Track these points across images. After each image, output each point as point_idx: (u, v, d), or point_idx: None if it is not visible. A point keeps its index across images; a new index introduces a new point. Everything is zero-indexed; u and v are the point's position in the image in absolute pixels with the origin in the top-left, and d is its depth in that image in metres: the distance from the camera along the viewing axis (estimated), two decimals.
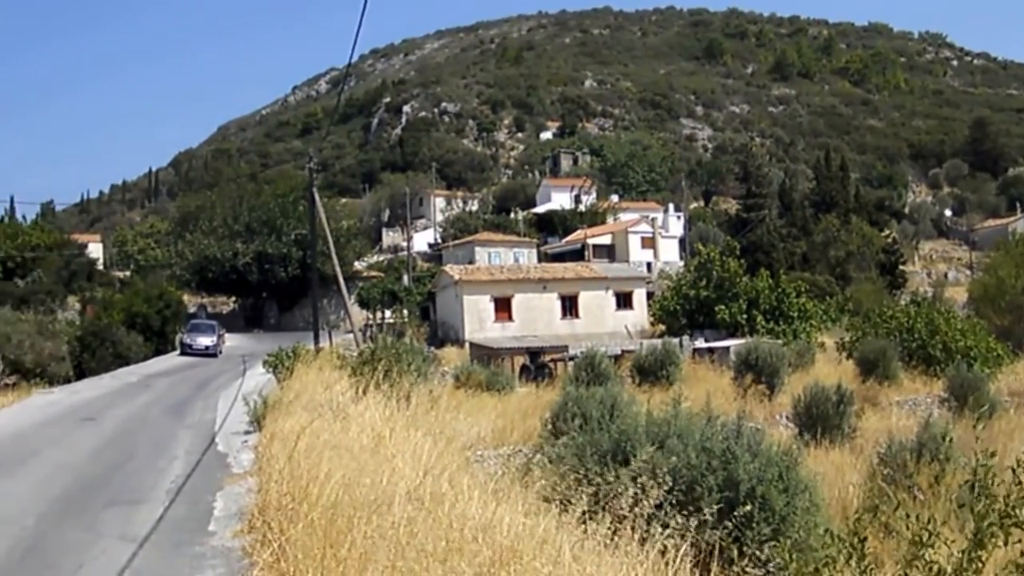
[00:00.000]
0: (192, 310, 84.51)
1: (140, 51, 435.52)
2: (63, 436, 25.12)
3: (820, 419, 30.16)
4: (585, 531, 9.03)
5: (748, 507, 11.73)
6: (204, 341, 61.88)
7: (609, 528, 9.15)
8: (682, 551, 8.65)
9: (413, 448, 13.07)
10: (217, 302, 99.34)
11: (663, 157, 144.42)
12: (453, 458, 13.31)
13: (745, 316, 62.00)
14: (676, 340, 53.80)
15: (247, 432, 22.62)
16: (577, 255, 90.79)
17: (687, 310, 65.65)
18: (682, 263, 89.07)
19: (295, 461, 11.80)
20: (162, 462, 19.71)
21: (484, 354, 54.03)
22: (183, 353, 61.05)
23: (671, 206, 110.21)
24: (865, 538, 6.66)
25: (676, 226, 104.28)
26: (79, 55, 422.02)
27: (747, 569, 9.99)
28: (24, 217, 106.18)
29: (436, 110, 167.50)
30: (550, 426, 21.01)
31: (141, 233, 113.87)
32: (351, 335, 55.91)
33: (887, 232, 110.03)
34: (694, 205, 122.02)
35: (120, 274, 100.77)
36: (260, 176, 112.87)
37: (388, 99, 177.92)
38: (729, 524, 11.26)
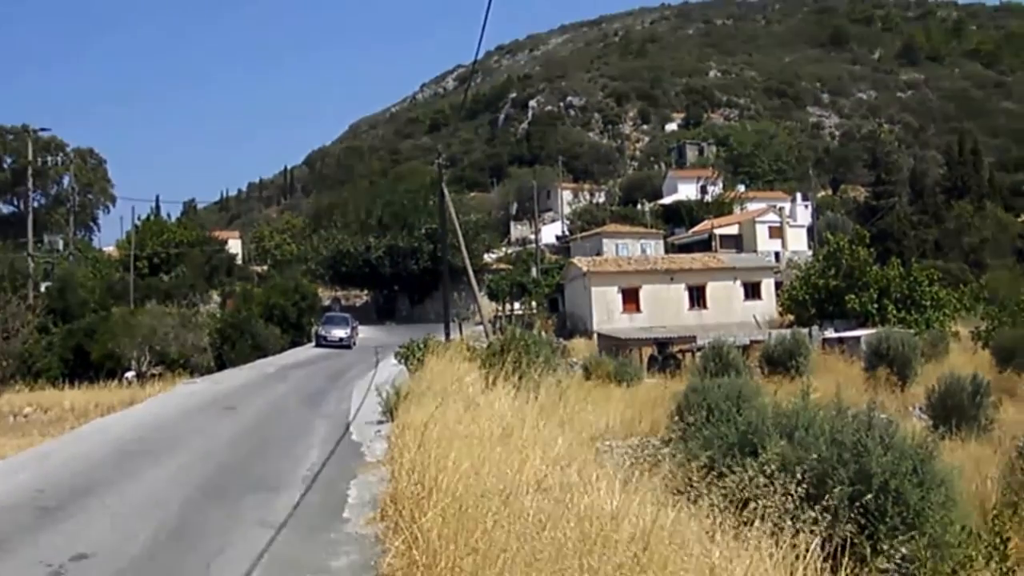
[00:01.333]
0: (326, 303, 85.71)
1: (275, 52, 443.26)
2: (205, 424, 25.86)
3: (955, 410, 29.27)
4: (714, 523, 9.04)
5: (880, 501, 11.55)
6: (338, 333, 62.85)
7: (738, 520, 9.14)
8: (813, 545, 8.57)
9: (542, 438, 13.16)
10: (350, 295, 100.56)
11: (790, 146, 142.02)
12: (582, 448, 13.37)
13: (876, 305, 60.86)
14: (805, 330, 53.03)
15: (380, 422, 22.94)
16: (704, 246, 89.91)
17: (816, 300, 64.64)
18: (810, 252, 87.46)
19: (426, 450, 11.95)
20: (298, 450, 20.19)
21: (612, 345, 53.96)
22: (318, 345, 62.11)
23: (798, 195, 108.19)
24: (1008, 537, 6.46)
25: (804, 215, 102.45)
26: (218, 58, 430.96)
27: (880, 566, 9.83)
28: (168, 215, 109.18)
29: (562, 104, 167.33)
30: (678, 417, 20.96)
31: (277, 229, 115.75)
32: (480, 327, 56.23)
33: None
34: (822, 194, 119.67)
35: (258, 269, 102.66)
36: (391, 172, 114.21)
37: (514, 94, 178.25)
38: (861, 519, 11.11)
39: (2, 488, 15.96)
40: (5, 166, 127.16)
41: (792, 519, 9.31)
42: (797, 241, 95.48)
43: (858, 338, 49.13)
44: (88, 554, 11.24)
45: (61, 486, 16.17)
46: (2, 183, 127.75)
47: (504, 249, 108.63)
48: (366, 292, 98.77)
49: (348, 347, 60.76)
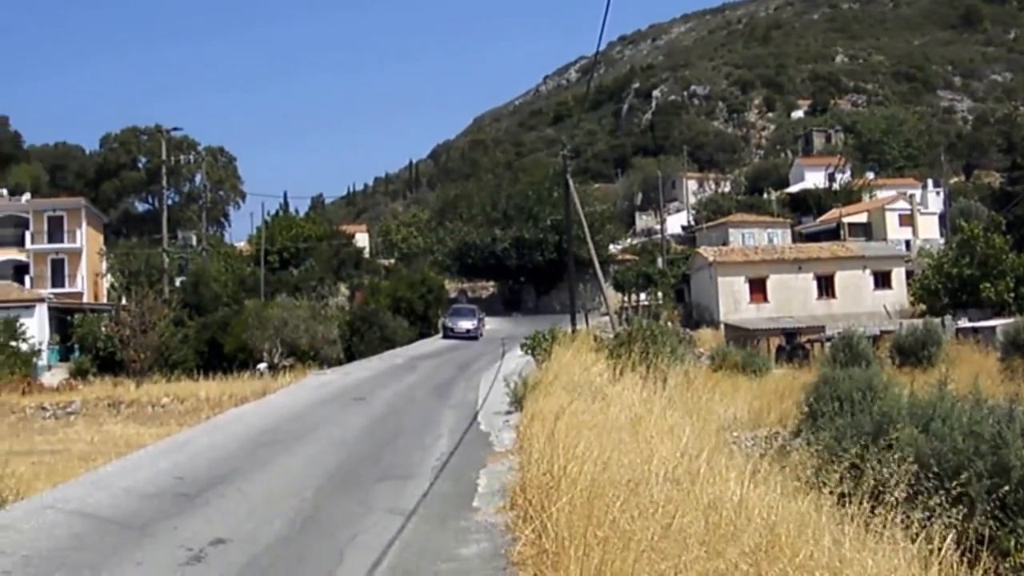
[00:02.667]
0: (453, 295, 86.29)
1: (399, 47, 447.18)
2: (336, 414, 26.32)
3: None
4: (844, 514, 8.94)
5: (1020, 495, 11.30)
6: (465, 324, 63.24)
7: (869, 512, 9.02)
8: (949, 539, 8.41)
9: (670, 429, 13.12)
10: (477, 287, 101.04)
11: (920, 131, 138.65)
12: (710, 439, 13.27)
13: (1012, 294, 59.32)
14: (938, 320, 51.93)
15: (508, 412, 23.11)
16: (832, 234, 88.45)
17: (949, 289, 63.16)
18: (943, 240, 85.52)
19: (555, 440, 12.00)
20: (428, 440, 20.43)
21: (739, 335, 53.59)
22: (445, 336, 62.61)
23: (929, 182, 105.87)
24: None
25: (935, 202, 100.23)
26: (344, 55, 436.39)
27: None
28: (297, 210, 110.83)
29: (685, 93, 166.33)
30: (807, 408, 20.74)
31: (404, 222, 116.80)
32: (607, 318, 56.19)
33: None
34: (954, 180, 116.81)
35: (385, 262, 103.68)
36: (515, 164, 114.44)
37: (637, 84, 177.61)
38: (998, 513, 10.87)
39: (143, 475, 16.46)
40: (140, 165, 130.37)
41: (926, 511, 9.16)
42: (929, 229, 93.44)
43: (993, 328, 48.01)
44: (226, 539, 11.52)
45: (199, 474, 16.60)
46: (137, 182, 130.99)
47: (629, 240, 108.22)
48: (492, 284, 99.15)
49: (475, 338, 61.14)
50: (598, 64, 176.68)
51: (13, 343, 53.41)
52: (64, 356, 61.09)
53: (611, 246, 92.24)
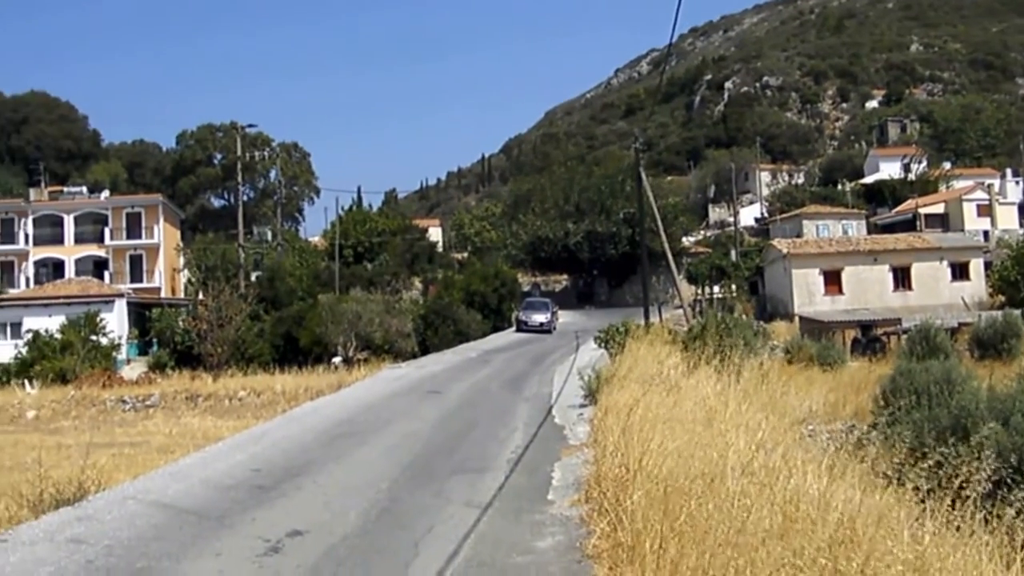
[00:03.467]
0: (526, 288, 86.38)
1: (469, 42, 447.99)
2: (411, 407, 26.48)
3: None
4: (923, 508, 8.83)
5: None
6: (538, 318, 63.26)
7: (948, 507, 8.89)
8: None
9: (745, 422, 13.03)
10: (550, 280, 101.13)
11: (998, 120, 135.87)
12: (785, 432, 13.20)
13: None
14: (1018, 312, 51.04)
15: (582, 405, 23.09)
16: (908, 225, 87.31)
17: None
18: (1022, 230, 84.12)
19: (629, 434, 11.96)
20: (503, 433, 20.49)
21: (814, 328, 53.11)
22: (519, 329, 62.71)
23: (1008, 171, 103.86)
24: None
25: (1015, 192, 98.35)
26: (416, 49, 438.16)
27: None
28: (370, 205, 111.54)
29: (758, 84, 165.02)
30: (883, 401, 20.52)
31: (477, 216, 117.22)
32: (680, 310, 55.97)
33: None
34: None
35: (458, 255, 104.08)
36: (587, 158, 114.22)
37: (709, 76, 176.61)
38: None
39: (221, 467, 16.66)
40: (216, 162, 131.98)
41: (1007, 507, 9.01)
42: (1008, 219, 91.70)
43: None
44: (302, 531, 11.62)
45: (275, 466, 16.78)
46: (213, 178, 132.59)
47: (702, 232, 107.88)
48: (565, 277, 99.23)
49: (548, 332, 61.14)
50: (670, 56, 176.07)
51: (94, 337, 54.26)
52: (142, 350, 61.97)
53: (684, 239, 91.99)
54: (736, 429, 12.19)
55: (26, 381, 50.04)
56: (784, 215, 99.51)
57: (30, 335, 54.77)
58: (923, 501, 9.02)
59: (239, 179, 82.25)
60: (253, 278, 72.51)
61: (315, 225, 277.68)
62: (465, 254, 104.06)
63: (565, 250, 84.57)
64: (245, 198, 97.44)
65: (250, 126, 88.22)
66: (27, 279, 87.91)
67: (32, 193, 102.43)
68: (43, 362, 51.58)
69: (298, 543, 11.08)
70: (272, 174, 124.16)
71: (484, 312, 62.22)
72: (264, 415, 32.65)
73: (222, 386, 44.83)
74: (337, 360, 50.17)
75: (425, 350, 52.63)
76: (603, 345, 34.80)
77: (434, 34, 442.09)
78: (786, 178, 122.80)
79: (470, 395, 29.73)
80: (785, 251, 70.74)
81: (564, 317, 69.32)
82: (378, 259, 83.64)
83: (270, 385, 43.44)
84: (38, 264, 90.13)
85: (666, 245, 55.21)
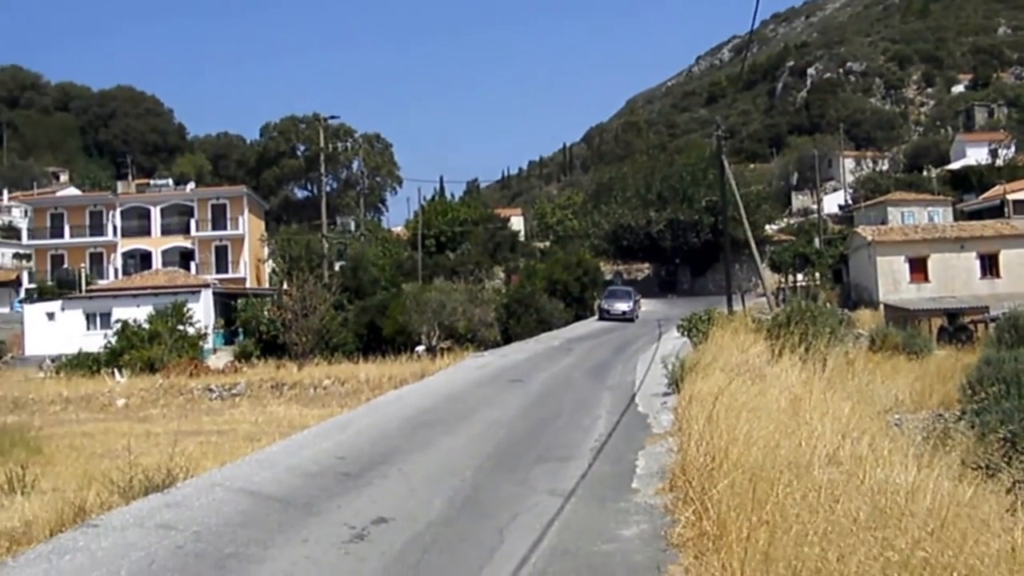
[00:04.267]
0: (608, 277, 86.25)
1: (550, 31, 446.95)
2: (494, 396, 26.58)
3: None
4: (1015, 500, 8.68)
5: None
6: (621, 306, 63.10)
7: None
8: None
9: (831, 411, 12.91)
10: (632, 268, 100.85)
11: None
12: (871, 422, 13.05)
13: None
14: None
15: (665, 394, 23.00)
16: (996, 212, 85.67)
17: None
18: None
19: (714, 422, 11.92)
20: (586, 421, 20.48)
21: (899, 316, 52.50)
22: (601, 318, 62.58)
23: None
24: None
25: None
26: (497, 38, 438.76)
27: None
28: (452, 195, 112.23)
29: (841, 70, 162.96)
30: (970, 390, 20.21)
31: (558, 205, 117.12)
32: (763, 299, 55.55)
33: None
34: None
35: (540, 244, 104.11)
36: (669, 146, 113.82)
37: (791, 62, 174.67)
38: None
39: (308, 454, 16.85)
40: (299, 153, 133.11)
41: None
42: None
43: None
44: (388, 518, 11.73)
45: (360, 453, 16.94)
46: (297, 169, 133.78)
47: (785, 220, 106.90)
48: (647, 265, 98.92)
49: (631, 320, 61.01)
50: (752, 43, 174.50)
51: (181, 327, 55.03)
52: (228, 339, 62.75)
53: (767, 226, 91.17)
54: (822, 418, 12.07)
55: (116, 370, 50.91)
56: (868, 202, 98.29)
57: (119, 325, 55.64)
58: (1010, 491, 8.89)
59: (322, 170, 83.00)
60: (337, 268, 73.18)
61: (398, 215, 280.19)
62: (547, 243, 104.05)
63: (647, 238, 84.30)
64: (328, 189, 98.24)
65: (332, 117, 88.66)
66: (115, 270, 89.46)
67: (120, 186, 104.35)
68: (132, 351, 52.41)
69: (383, 530, 11.17)
70: (355, 165, 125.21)
71: (566, 301, 62.13)
72: (349, 403, 32.92)
73: (307, 375, 45.21)
74: (420, 349, 50.40)
75: (508, 339, 52.70)
76: (686, 333, 34.66)
77: (515, 24, 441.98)
78: (870, 165, 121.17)
79: (553, 384, 29.75)
80: (870, 238, 69.86)
81: (646, 305, 69.11)
82: (460, 248, 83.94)
83: (354, 374, 43.72)
84: (126, 255, 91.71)
85: (749, 233, 54.83)
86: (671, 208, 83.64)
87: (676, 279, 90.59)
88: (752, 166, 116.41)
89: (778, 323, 26.48)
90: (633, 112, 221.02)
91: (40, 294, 77.96)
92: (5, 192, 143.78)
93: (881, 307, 60.73)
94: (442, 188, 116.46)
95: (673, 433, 16.31)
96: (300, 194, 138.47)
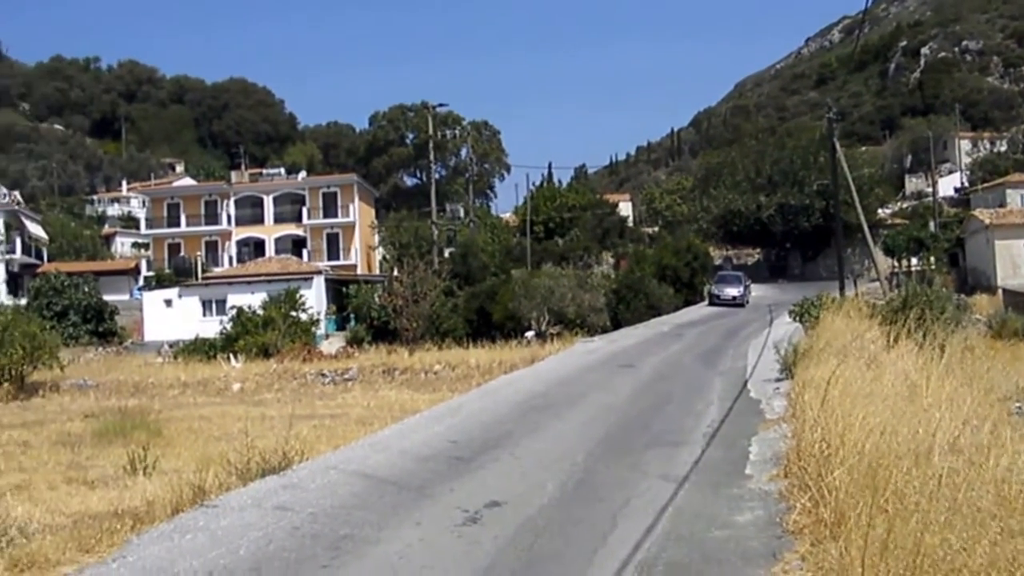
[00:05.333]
0: (718, 262, 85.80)
1: (657, 16, 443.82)
2: (605, 381, 26.56)
3: None
4: None
5: None
6: (731, 291, 62.81)
7: None
8: None
9: (949, 398, 12.67)
10: (741, 253, 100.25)
11: None
12: (992, 409, 12.78)
13: None
14: None
15: (778, 379, 22.78)
16: None
17: None
18: None
19: (828, 408, 11.76)
20: (698, 406, 20.39)
21: (1019, 301, 51.39)
22: (711, 303, 62.35)
23: None
24: None
25: None
26: (605, 25, 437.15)
27: None
28: (560, 181, 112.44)
29: (956, 49, 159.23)
30: None
31: (667, 190, 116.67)
32: (876, 283, 54.74)
33: None
34: None
35: (648, 230, 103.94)
36: (778, 129, 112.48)
37: (904, 42, 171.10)
38: None
39: (420, 438, 17.02)
40: (408, 141, 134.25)
41: None
42: None
43: None
44: (500, 502, 11.78)
45: (472, 438, 17.05)
46: (406, 157, 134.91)
47: (898, 204, 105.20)
48: (757, 250, 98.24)
49: (741, 305, 60.68)
50: (864, 23, 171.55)
51: (294, 313, 55.78)
52: (340, 325, 63.48)
53: (880, 210, 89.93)
54: (940, 405, 11.84)
55: (231, 355, 51.78)
56: (986, 184, 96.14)
57: (234, 311, 56.60)
58: None
59: (431, 158, 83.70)
60: (446, 254, 73.68)
61: (506, 202, 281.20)
62: (656, 228, 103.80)
63: (757, 223, 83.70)
64: (437, 176, 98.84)
65: (440, 105, 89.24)
66: (230, 258, 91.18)
67: (233, 176, 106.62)
68: (246, 337, 53.26)
69: (496, 514, 11.23)
70: (463, 152, 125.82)
71: (676, 286, 61.94)
72: (459, 388, 33.08)
73: (418, 360, 45.49)
74: (530, 334, 50.53)
75: (617, 324, 52.65)
76: (797, 319, 34.31)
77: (621, 10, 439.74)
78: (988, 146, 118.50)
79: (663, 369, 29.66)
80: (988, 222, 68.45)
81: (756, 291, 68.58)
82: (569, 234, 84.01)
83: (464, 359, 43.90)
84: (240, 243, 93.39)
85: (861, 217, 54.01)
86: (781, 192, 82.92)
87: (786, 264, 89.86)
88: (864, 149, 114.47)
89: (893, 308, 26.08)
90: (742, 95, 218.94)
91: (158, 282, 79.69)
92: (124, 183, 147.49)
93: (999, 292, 59.46)
94: (550, 174, 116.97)
95: (787, 419, 16.14)
96: (409, 182, 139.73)
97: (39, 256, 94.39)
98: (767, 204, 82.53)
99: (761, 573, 8.45)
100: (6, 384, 41.90)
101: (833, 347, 20.42)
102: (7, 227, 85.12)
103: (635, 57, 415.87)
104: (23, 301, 66.65)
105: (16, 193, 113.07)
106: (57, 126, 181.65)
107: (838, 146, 54.25)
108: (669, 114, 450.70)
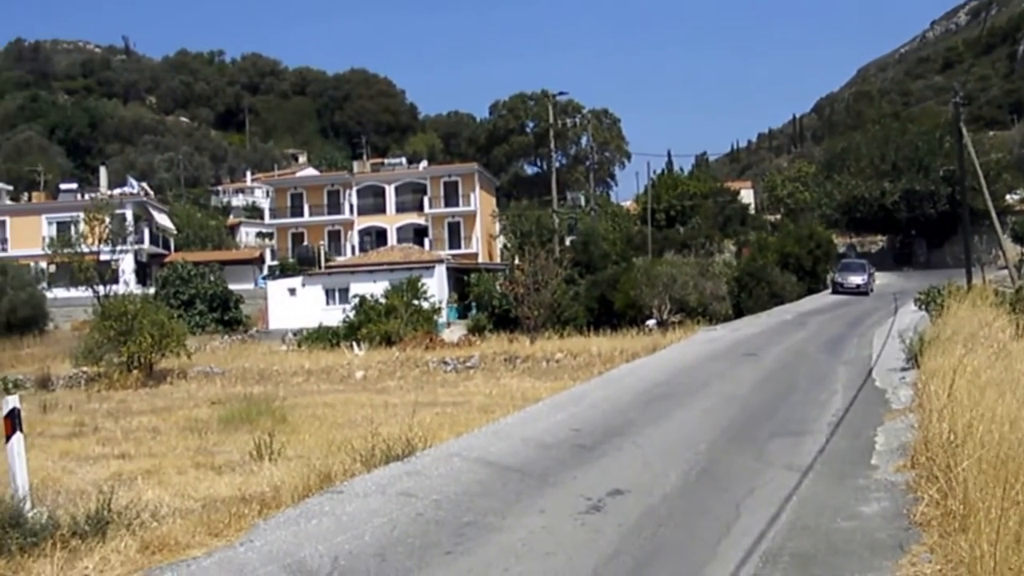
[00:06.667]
0: (841, 250, 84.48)
1: (780, 2, 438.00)
2: (727, 370, 26.42)
3: None
4: None
5: None
6: (855, 279, 61.95)
7: None
8: None
9: None
10: (865, 241, 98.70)
11: None
12: None
13: None
14: None
15: (903, 368, 22.37)
16: None
17: None
18: None
19: (955, 398, 11.59)
20: (822, 396, 20.14)
21: None
22: (834, 291, 61.56)
23: None
24: None
25: None
26: (719, 12, 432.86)
27: None
28: (681, 169, 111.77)
29: None
30: None
31: (789, 177, 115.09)
32: (1004, 271, 53.50)
33: None
34: None
35: (770, 217, 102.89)
36: (903, 115, 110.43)
37: None
38: None
39: (542, 426, 17.11)
40: (528, 130, 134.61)
41: None
42: None
43: None
44: (623, 490, 11.79)
45: (594, 426, 17.06)
46: (526, 146, 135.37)
47: None
48: (881, 238, 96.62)
49: (865, 294, 59.82)
50: (991, 4, 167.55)
51: (416, 301, 56.31)
52: (462, 314, 63.96)
53: (1008, 196, 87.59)
54: None
55: (354, 343, 52.48)
56: None
57: (357, 300, 57.36)
58: None
59: (551, 146, 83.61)
60: (567, 242, 73.71)
61: (627, 190, 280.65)
62: (778, 216, 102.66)
63: (881, 210, 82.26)
64: (557, 164, 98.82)
65: (561, 94, 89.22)
66: (352, 247, 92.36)
67: (355, 166, 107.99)
68: (369, 325, 53.92)
69: (619, 502, 11.26)
70: (583, 140, 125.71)
71: (799, 274, 61.28)
72: (580, 377, 33.12)
73: (539, 348, 45.61)
74: (651, 323, 50.38)
75: (739, 313, 52.32)
76: (923, 307, 33.69)
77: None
78: None
79: (787, 358, 29.37)
80: None
81: (881, 279, 67.49)
82: (690, 222, 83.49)
83: (586, 347, 43.90)
84: (362, 232, 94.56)
85: (989, 203, 52.73)
86: (906, 178, 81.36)
87: (911, 251, 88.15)
88: (991, 133, 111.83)
89: (1022, 296, 25.53)
90: (865, 81, 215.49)
91: (282, 270, 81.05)
92: (248, 174, 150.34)
93: None
94: (671, 162, 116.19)
95: (913, 409, 15.88)
96: (530, 170, 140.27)
97: (166, 246, 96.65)
98: (891, 191, 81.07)
99: (889, 565, 8.35)
100: (136, 371, 43.04)
101: (960, 336, 20.05)
102: (136, 218, 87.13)
103: (756, 43, 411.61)
104: (151, 290, 68.19)
105: (144, 184, 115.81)
106: (183, 119, 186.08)
107: (965, 131, 53.02)
108: (791, 100, 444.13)
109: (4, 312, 63.15)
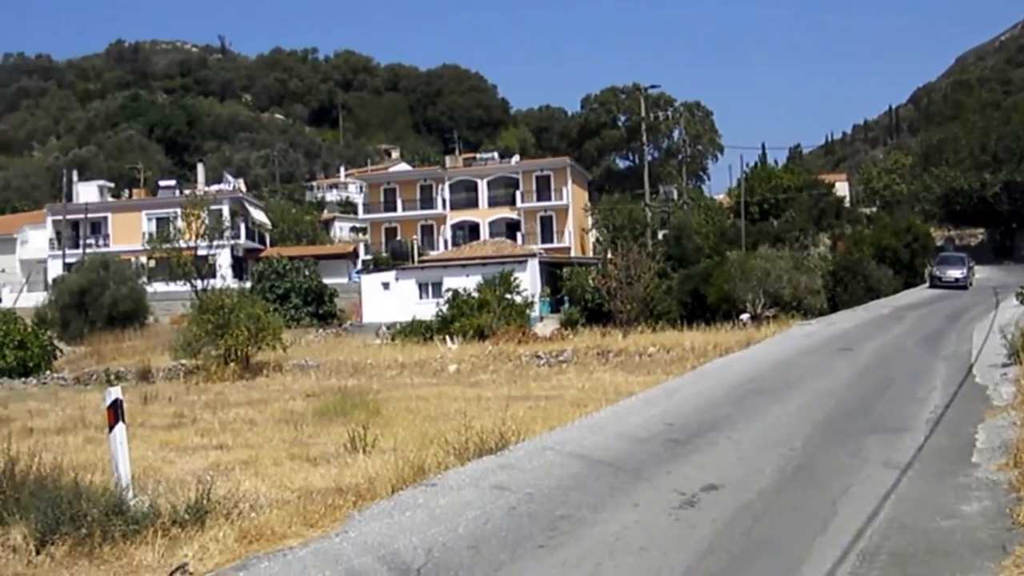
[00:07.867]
0: (939, 243, 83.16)
1: None
2: (823, 364, 26.13)
3: None
4: None
5: None
6: (954, 273, 60.95)
7: None
8: None
9: None
10: (964, 234, 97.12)
11: None
12: None
13: None
14: None
15: (1005, 365, 21.96)
16: None
17: None
18: None
19: None
20: (920, 392, 19.81)
21: None
22: (932, 285, 60.63)
23: None
24: None
25: None
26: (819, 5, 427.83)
27: None
28: (775, 161, 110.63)
29: None
30: None
31: (885, 169, 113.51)
32: None
33: None
34: None
35: (866, 210, 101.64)
36: (1004, 104, 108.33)
37: None
38: None
39: (635, 421, 17.06)
40: (620, 124, 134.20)
41: None
42: None
43: None
44: (717, 485, 11.72)
45: (688, 420, 17.00)
46: (618, 140, 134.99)
47: None
48: (981, 231, 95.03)
49: (964, 288, 58.79)
50: None
51: (508, 295, 56.42)
52: (554, 308, 64.00)
53: None
54: None
55: (447, 337, 52.69)
56: None
57: (450, 294, 57.64)
58: None
59: (643, 140, 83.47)
60: (660, 236, 73.40)
61: (720, 183, 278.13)
62: (874, 209, 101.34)
63: (981, 202, 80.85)
64: (650, 158, 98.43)
65: (653, 87, 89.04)
66: (445, 241, 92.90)
67: (448, 160, 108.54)
68: (462, 319, 54.16)
69: (713, 497, 11.18)
70: (675, 134, 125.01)
71: (895, 268, 60.51)
72: (673, 371, 32.90)
73: (632, 342, 45.38)
74: (745, 317, 50.02)
75: (834, 307, 51.80)
76: None
77: None
78: None
79: (884, 352, 28.98)
80: None
81: (980, 272, 66.35)
82: (784, 215, 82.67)
83: (679, 341, 43.62)
84: (455, 227, 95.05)
85: None
86: (1007, 169, 79.84)
87: (1013, 245, 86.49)
88: None
89: None
90: (963, 70, 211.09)
91: (375, 265, 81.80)
92: (342, 169, 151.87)
93: None
94: (764, 155, 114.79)
95: (1015, 406, 15.59)
96: (622, 164, 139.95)
97: (262, 241, 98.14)
98: (992, 182, 79.62)
99: (991, 567, 8.19)
100: (232, 364, 43.59)
101: None
102: (232, 213, 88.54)
103: (850, 33, 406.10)
104: (247, 284, 69.08)
105: (240, 181, 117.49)
106: (278, 115, 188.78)
107: None
108: (887, 91, 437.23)
109: (106, 306, 64.33)
